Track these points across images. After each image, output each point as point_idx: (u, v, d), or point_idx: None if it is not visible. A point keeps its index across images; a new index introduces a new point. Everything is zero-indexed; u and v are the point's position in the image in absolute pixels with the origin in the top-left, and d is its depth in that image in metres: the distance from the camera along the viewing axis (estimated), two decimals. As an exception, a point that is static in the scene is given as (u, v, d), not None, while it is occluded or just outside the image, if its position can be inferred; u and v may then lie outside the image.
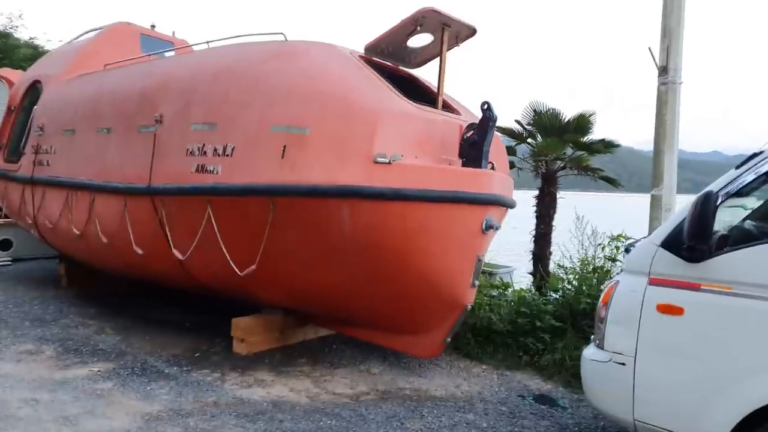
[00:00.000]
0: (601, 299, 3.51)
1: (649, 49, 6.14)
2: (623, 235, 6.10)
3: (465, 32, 5.47)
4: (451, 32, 5.32)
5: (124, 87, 6.28)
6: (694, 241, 2.91)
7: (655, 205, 6.28)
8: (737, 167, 3.05)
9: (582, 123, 7.27)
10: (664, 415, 3.04)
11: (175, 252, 5.32)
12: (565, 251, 6.64)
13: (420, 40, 5.54)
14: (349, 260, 4.71)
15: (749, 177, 2.98)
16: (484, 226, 4.81)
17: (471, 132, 4.99)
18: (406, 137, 4.66)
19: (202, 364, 5.37)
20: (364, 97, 4.61)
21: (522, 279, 7.55)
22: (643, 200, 6.22)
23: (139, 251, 5.74)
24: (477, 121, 5.02)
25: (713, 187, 3.06)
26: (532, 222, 7.51)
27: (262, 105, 4.72)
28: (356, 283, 4.83)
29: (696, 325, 2.97)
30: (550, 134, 7.30)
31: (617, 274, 3.91)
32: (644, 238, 3.82)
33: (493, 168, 5.14)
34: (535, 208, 7.50)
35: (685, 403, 2.96)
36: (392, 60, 5.72)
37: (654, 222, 6.27)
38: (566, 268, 6.57)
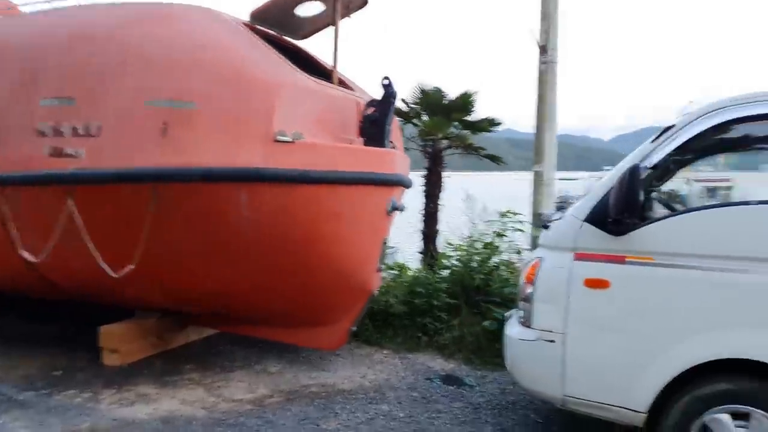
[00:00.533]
0: (524, 277, 3.45)
1: (530, 30, 6.30)
2: (511, 211, 6.24)
3: (356, 2, 5.15)
4: (342, 1, 4.98)
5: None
6: (621, 214, 2.91)
7: (538, 181, 6.51)
8: (652, 140, 3.10)
9: (465, 101, 7.33)
10: (593, 389, 3.05)
11: (24, 254, 4.43)
12: (454, 229, 6.67)
13: (308, 9, 5.13)
14: (249, 252, 4.23)
15: (666, 149, 3.04)
16: (389, 208, 4.61)
17: (371, 109, 4.74)
18: (307, 114, 4.27)
19: (65, 384, 4.55)
20: (259, 69, 4.13)
21: (408, 259, 7.49)
22: (528, 177, 6.41)
23: (-24, 254, 4.73)
24: (376, 98, 4.78)
25: (630, 160, 3.10)
26: (417, 202, 7.46)
27: (135, 76, 4.02)
28: (256, 277, 4.37)
29: (622, 298, 3.00)
30: (436, 113, 7.27)
31: (537, 250, 3.89)
32: (563, 213, 3.85)
33: (394, 147, 4.92)
34: (423, 188, 7.46)
35: (613, 374, 2.99)
36: (278, 29, 5.25)
37: (538, 197, 6.52)
38: (455, 245, 6.60)
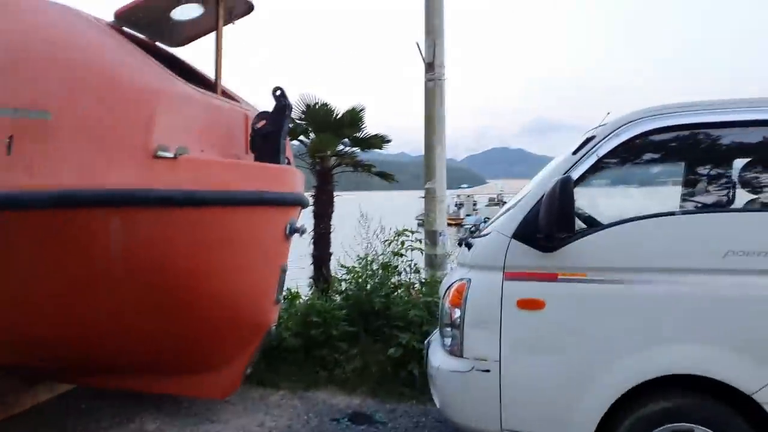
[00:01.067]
0: (448, 301, 3.18)
1: (417, 43, 6.22)
2: (408, 229, 6.04)
3: (241, 8, 4.68)
4: (225, 5, 4.49)
5: None
6: (553, 229, 2.76)
7: (430, 197, 6.41)
8: (573, 152, 3.01)
9: (354, 117, 7.06)
10: (534, 420, 2.84)
11: None
12: (349, 251, 6.33)
13: (185, 13, 4.56)
14: (119, 289, 3.54)
15: (588, 161, 2.95)
16: (287, 231, 4.15)
17: (262, 122, 4.27)
18: (191, 127, 3.71)
19: None
20: (133, 73, 3.50)
21: (299, 286, 7.00)
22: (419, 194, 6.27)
23: None
24: (267, 110, 4.33)
25: (553, 172, 2.98)
26: (306, 224, 7.02)
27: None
28: (129, 318, 3.68)
29: (557, 318, 2.83)
30: (324, 129, 6.91)
31: (454, 270, 3.65)
32: (478, 230, 3.66)
33: (289, 163, 4.48)
34: (312, 208, 7.03)
35: (554, 402, 2.80)
36: (148, 34, 4.60)
37: (431, 214, 6.40)
38: (349, 268, 6.25)
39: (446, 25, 6.32)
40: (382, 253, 5.92)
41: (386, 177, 7.68)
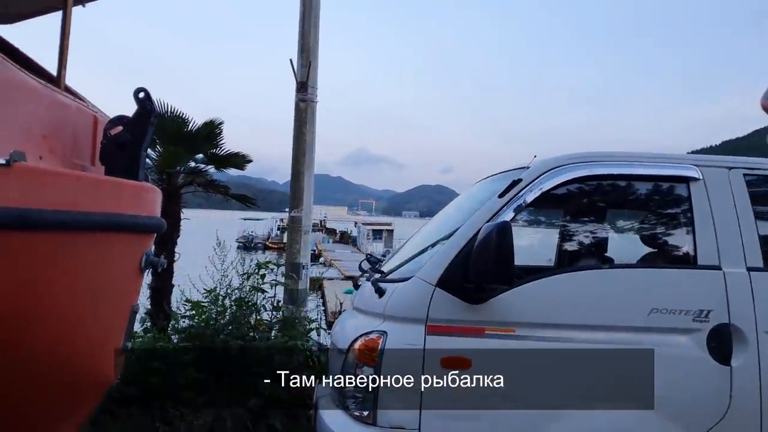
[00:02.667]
0: (356, 357, 2.76)
1: (291, 60, 5.78)
2: (273, 262, 5.45)
3: (93, -14, 3.86)
4: (76, -20, 3.66)
5: None
6: (487, 279, 2.52)
7: (295, 227, 5.93)
8: (500, 196, 2.83)
9: (211, 131, 6.28)
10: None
11: None
12: (197, 282, 5.52)
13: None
14: None
15: (515, 205, 2.79)
16: (143, 264, 3.41)
17: (118, 128, 3.50)
18: (28, 126, 2.86)
19: None
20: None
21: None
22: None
23: None
24: (125, 115, 3.57)
25: (482, 215, 2.76)
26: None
27: None
28: None
29: (484, 379, 2.58)
30: (175, 142, 6.03)
31: (352, 317, 3.23)
32: (373, 272, 3.29)
33: (148, 180, 3.73)
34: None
35: None
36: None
37: (294, 246, 5.90)
38: (194, 302, 5.44)
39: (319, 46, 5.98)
40: (239, 287, 5.25)
41: (245, 200, 6.99)
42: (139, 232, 3.31)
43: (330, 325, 9.64)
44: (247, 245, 51.92)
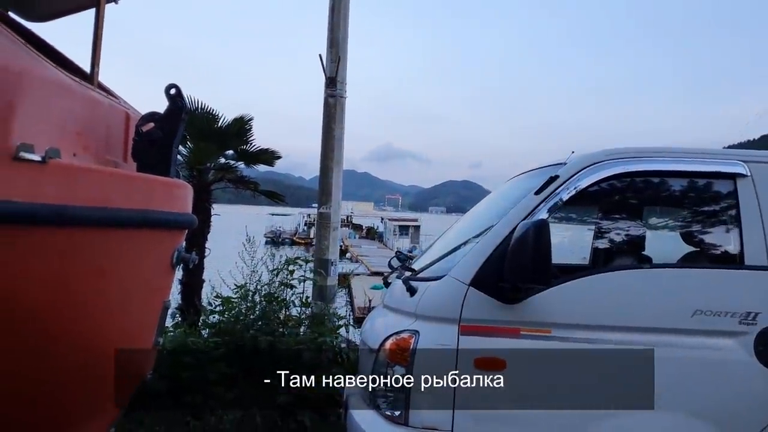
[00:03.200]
0: (387, 356, 2.73)
1: (320, 56, 5.75)
2: (301, 258, 5.46)
3: (125, -18, 3.88)
4: (109, -23, 3.68)
5: None
6: (523, 278, 2.45)
7: (323, 223, 5.92)
8: (536, 193, 2.75)
9: (241, 127, 6.31)
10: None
11: None
12: (227, 277, 5.56)
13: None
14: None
15: (552, 202, 2.71)
16: (174, 260, 3.42)
17: (150, 125, 3.51)
18: (63, 124, 2.88)
19: None
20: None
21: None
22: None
23: None
24: (157, 111, 3.59)
25: (517, 213, 2.69)
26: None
27: None
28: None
29: (519, 380, 2.52)
30: (205, 138, 6.08)
31: (384, 316, 3.19)
32: (406, 270, 3.25)
33: (179, 176, 3.75)
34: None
35: None
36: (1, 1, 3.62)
37: (323, 242, 5.89)
38: (224, 298, 5.48)
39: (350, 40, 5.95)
40: (268, 283, 5.26)
41: (274, 196, 7.01)
42: (170, 228, 3.33)
43: (358, 321, 9.66)
44: (275, 240, 52.38)
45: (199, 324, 5.49)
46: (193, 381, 4.62)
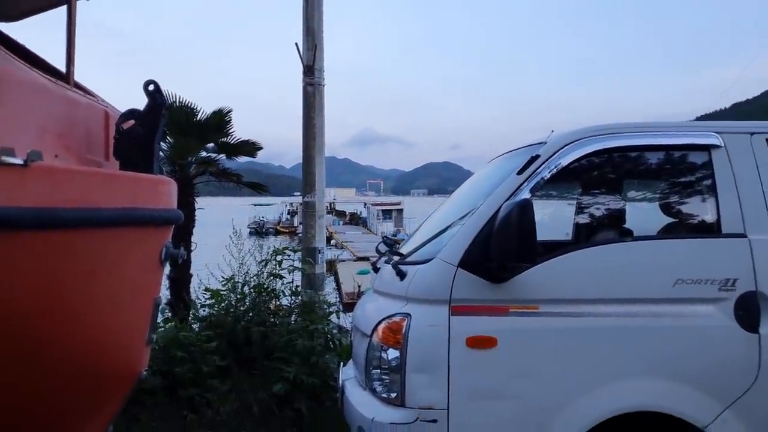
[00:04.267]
0: (380, 339, 2.78)
1: (296, 44, 5.72)
2: (289, 247, 5.47)
3: (95, -22, 3.82)
4: (78, -27, 3.62)
5: None
6: (509, 258, 2.51)
7: (309, 212, 5.94)
8: (518, 173, 2.80)
9: (221, 120, 6.27)
10: (487, 474, 2.55)
11: None
12: (215, 270, 5.57)
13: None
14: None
15: (534, 181, 2.76)
16: (163, 256, 3.42)
17: (131, 122, 3.49)
18: (43, 125, 2.86)
19: None
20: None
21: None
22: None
23: None
24: (137, 108, 3.56)
25: (501, 193, 2.74)
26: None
27: None
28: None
29: (510, 357, 2.58)
30: (186, 133, 6.03)
31: (373, 300, 3.24)
32: (395, 250, 3.30)
33: (162, 173, 3.74)
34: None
35: None
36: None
37: (309, 231, 5.91)
38: (213, 291, 5.49)
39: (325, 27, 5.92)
40: (257, 274, 5.28)
41: (257, 187, 7.00)
42: (157, 225, 3.32)
43: (346, 306, 9.71)
44: (259, 231, 52.11)
45: (190, 318, 5.50)
46: (187, 375, 4.64)
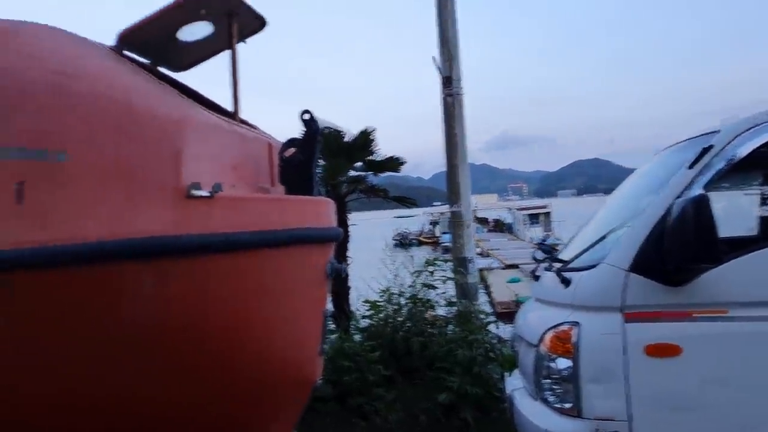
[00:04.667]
0: (549, 349, 2.70)
1: (433, 57, 5.82)
2: (439, 258, 5.56)
3: (253, 24, 4.18)
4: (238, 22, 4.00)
5: None
6: (687, 258, 2.32)
7: (456, 222, 5.96)
8: (690, 167, 2.58)
9: (366, 140, 6.60)
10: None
11: None
12: (371, 282, 5.81)
13: (193, 33, 4.05)
14: (146, 354, 2.97)
15: (708, 175, 2.53)
16: (328, 271, 3.64)
17: (291, 150, 3.79)
18: (220, 160, 3.20)
19: None
20: (154, 103, 2.99)
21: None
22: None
23: None
24: (296, 137, 3.87)
25: (671, 191, 2.54)
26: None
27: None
28: (158, 384, 3.10)
29: (699, 365, 2.38)
30: (336, 155, 6.44)
31: (537, 308, 3.17)
32: (552, 262, 3.20)
33: (322, 194, 3.99)
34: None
35: None
36: (151, 58, 4.07)
37: (458, 239, 5.94)
38: (372, 302, 5.71)
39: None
40: (411, 285, 5.41)
41: (404, 201, 7.22)
42: (322, 242, 3.55)
43: (499, 316, 9.55)
44: (403, 242, 53.05)
45: (351, 329, 5.77)
46: (355, 384, 4.87)
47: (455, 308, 5.35)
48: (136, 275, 2.71)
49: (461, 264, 5.81)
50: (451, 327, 5.24)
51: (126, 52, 3.69)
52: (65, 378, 2.92)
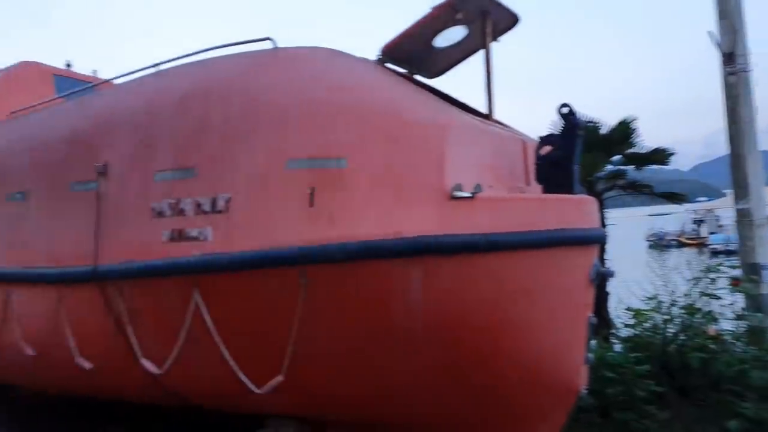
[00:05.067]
0: None
1: (709, 32, 5.10)
2: (722, 264, 4.84)
3: (506, 22, 4.18)
4: (492, 21, 4.03)
5: (43, 134, 4.51)
6: None
7: (744, 221, 5.12)
8: None
9: (625, 131, 6.13)
10: None
11: (146, 363, 3.59)
12: (632, 286, 5.31)
13: (450, 37, 4.21)
14: (416, 348, 3.17)
15: None
16: (592, 275, 3.43)
17: (548, 147, 3.67)
18: (478, 161, 3.29)
19: None
20: (417, 110, 3.22)
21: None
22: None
23: (86, 365, 3.95)
24: (554, 133, 3.74)
25: None
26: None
27: (267, 132, 3.18)
28: (422, 376, 3.29)
29: None
30: (590, 148, 6.11)
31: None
32: None
33: (584, 192, 3.79)
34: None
35: None
36: (408, 67, 4.34)
37: (747, 243, 5.10)
38: (637, 311, 5.18)
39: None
40: (687, 293, 4.79)
41: (674, 197, 6.49)
42: (585, 244, 3.37)
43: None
44: (658, 244, 47.26)
45: (610, 337, 5.36)
46: (619, 397, 4.50)
47: (744, 322, 4.57)
48: (405, 273, 2.92)
49: (752, 271, 4.94)
50: (739, 344, 4.49)
51: (388, 65, 4.02)
52: (343, 368, 3.28)
